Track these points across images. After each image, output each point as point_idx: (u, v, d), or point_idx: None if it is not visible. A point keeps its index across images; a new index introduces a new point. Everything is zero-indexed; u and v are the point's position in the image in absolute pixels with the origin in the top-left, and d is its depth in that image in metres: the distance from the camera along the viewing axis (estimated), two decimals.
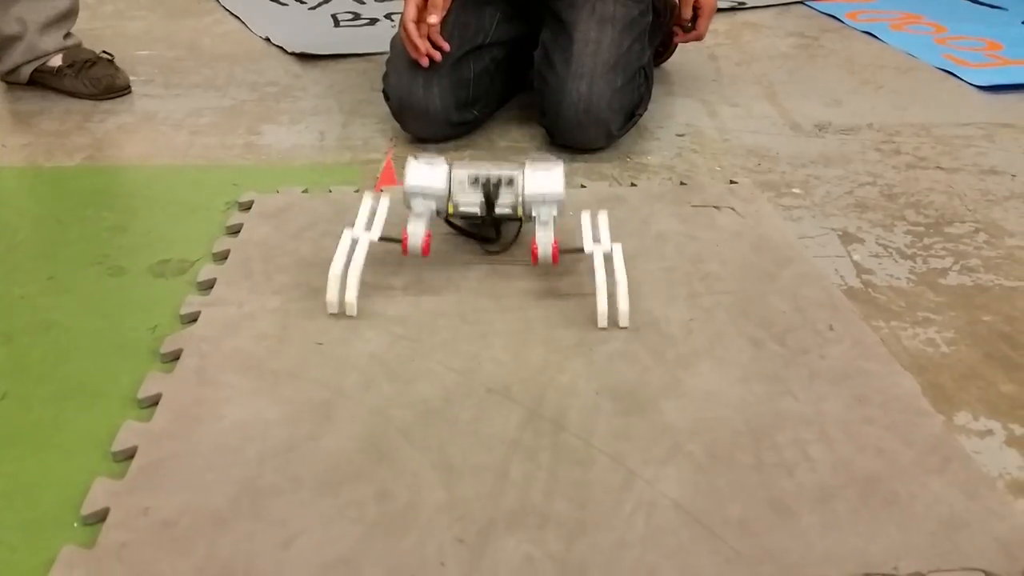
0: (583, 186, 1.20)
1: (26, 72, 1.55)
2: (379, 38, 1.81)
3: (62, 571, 0.60)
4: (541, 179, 0.95)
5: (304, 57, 1.76)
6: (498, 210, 0.95)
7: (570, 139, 1.28)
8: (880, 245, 1.07)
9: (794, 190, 1.22)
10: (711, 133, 1.41)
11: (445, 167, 0.96)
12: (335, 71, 1.70)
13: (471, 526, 0.64)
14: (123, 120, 1.46)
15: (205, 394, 0.77)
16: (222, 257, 1.01)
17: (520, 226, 0.99)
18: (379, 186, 1.21)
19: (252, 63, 1.74)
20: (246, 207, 1.13)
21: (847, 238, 1.08)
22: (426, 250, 0.92)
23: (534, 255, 0.91)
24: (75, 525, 0.65)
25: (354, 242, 0.93)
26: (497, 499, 0.66)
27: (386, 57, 1.34)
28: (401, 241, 0.93)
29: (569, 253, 0.93)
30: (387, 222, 0.96)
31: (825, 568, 0.61)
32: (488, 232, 1.01)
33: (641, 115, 1.36)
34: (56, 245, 1.06)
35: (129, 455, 0.71)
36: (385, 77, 1.32)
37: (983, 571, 0.61)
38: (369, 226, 0.95)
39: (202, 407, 0.76)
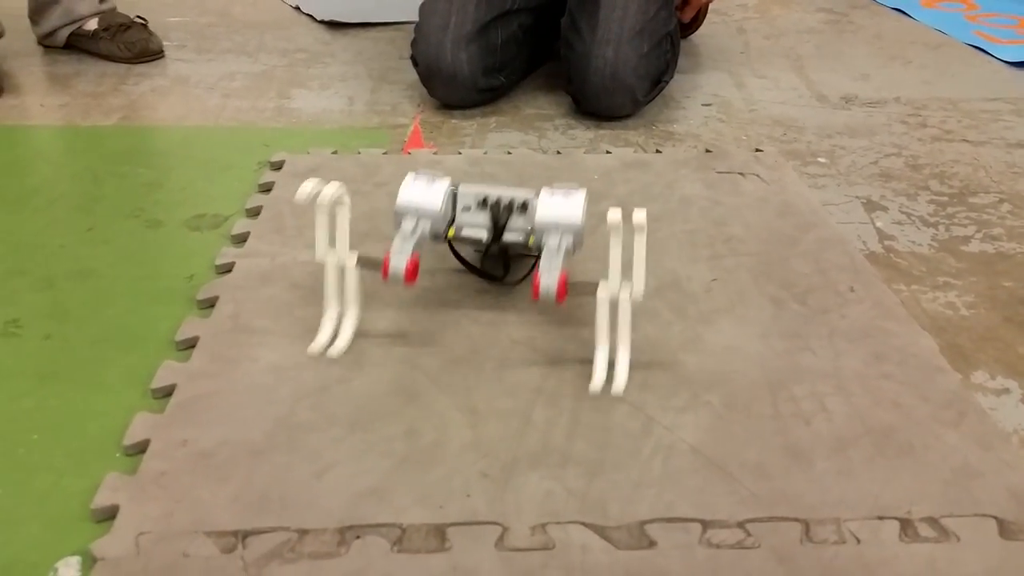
0: (608, 152, 1.21)
1: (63, 35, 1.58)
2: (406, 7, 1.81)
3: (106, 495, 0.63)
4: (557, 204, 0.81)
5: (333, 25, 1.78)
6: (507, 237, 0.83)
7: (596, 105, 1.29)
8: (903, 213, 1.08)
9: (819, 159, 1.22)
10: (738, 103, 1.42)
11: (445, 184, 0.84)
12: (363, 39, 1.72)
13: (495, 462, 0.66)
14: (157, 83, 1.49)
15: (240, 338, 0.80)
16: (255, 213, 1.04)
17: (534, 265, 0.81)
18: (407, 149, 1.23)
19: (282, 30, 1.77)
20: (277, 166, 1.16)
21: (871, 206, 1.09)
22: (410, 275, 0.78)
23: (535, 288, 0.76)
24: (117, 455, 0.68)
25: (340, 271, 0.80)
26: (520, 440, 0.69)
27: (414, 25, 1.35)
28: (381, 264, 0.79)
29: (581, 294, 0.79)
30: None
31: (839, 511, 0.63)
32: (495, 268, 0.89)
33: (667, 82, 1.36)
34: (94, 199, 1.09)
35: (168, 392, 0.74)
36: (414, 43, 1.34)
37: (995, 517, 0.62)
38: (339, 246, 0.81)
39: (238, 350, 0.78)
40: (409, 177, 0.84)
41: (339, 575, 0.57)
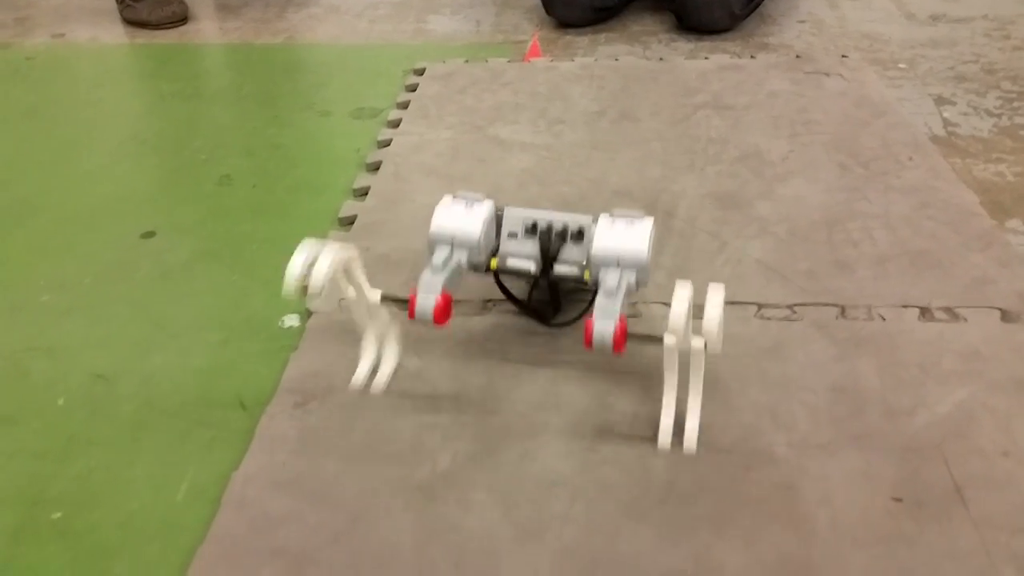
0: (706, 58, 1.37)
1: None
2: None
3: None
4: (618, 234, 0.69)
5: None
6: (558, 269, 0.72)
7: (696, 20, 1.45)
8: (971, 107, 1.20)
9: (900, 65, 1.35)
10: (830, 21, 1.54)
11: (486, 208, 0.73)
12: None
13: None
14: (312, 11, 1.73)
15: (401, 187, 1.02)
16: (404, 105, 1.25)
17: (591, 302, 0.69)
18: (527, 57, 1.42)
19: None
20: (420, 72, 1.37)
21: (941, 101, 1.22)
22: (440, 316, 0.66)
23: (587, 334, 0.63)
24: None
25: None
26: None
27: None
28: (408, 301, 0.67)
29: (642, 338, 0.66)
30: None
31: (871, 300, 0.79)
32: (543, 306, 0.79)
33: None
34: (273, 96, 1.33)
35: (351, 221, 0.96)
36: None
37: (1000, 309, 0.78)
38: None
39: (400, 194, 1.00)
40: (446, 199, 0.75)
41: (482, 326, 0.78)
